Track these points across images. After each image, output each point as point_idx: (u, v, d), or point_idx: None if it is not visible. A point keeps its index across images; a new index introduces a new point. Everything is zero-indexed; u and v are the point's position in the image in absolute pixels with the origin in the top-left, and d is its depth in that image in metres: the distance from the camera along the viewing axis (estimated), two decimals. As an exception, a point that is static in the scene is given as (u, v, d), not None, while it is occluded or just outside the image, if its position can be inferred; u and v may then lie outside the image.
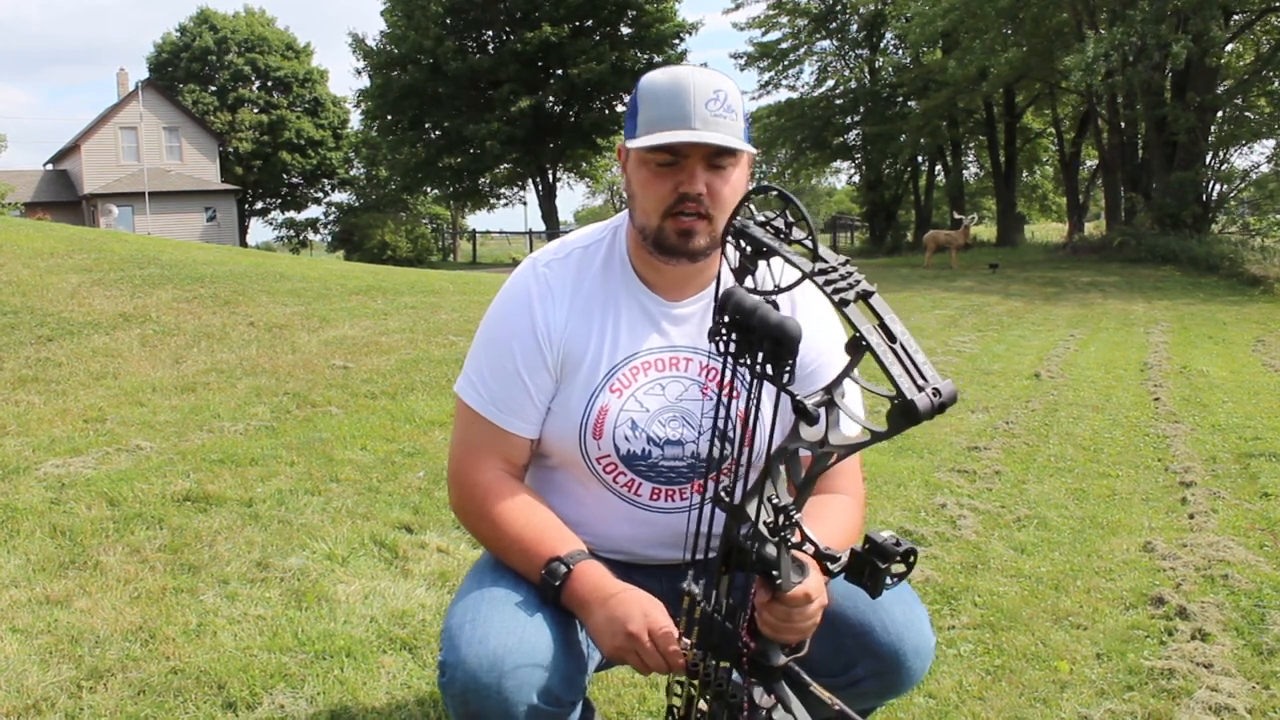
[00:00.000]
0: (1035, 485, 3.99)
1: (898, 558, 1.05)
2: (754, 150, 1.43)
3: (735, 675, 1.25)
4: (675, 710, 1.30)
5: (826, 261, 1.05)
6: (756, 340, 1.07)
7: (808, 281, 1.05)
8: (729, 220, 1.11)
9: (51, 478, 3.58)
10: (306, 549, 2.97)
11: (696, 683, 1.24)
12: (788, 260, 1.05)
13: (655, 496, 1.51)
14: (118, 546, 2.93)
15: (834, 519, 1.43)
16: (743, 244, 1.10)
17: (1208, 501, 3.72)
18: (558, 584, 1.35)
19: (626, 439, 1.48)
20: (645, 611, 1.29)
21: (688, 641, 1.24)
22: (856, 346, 0.99)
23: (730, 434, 1.21)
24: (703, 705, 1.24)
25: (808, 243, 1.07)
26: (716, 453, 1.20)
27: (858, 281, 1.03)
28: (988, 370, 6.98)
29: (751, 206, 1.16)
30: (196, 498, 3.39)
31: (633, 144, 1.41)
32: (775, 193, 1.13)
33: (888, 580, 1.07)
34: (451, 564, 2.90)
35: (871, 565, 1.06)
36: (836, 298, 1.01)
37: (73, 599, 2.57)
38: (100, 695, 2.09)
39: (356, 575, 2.80)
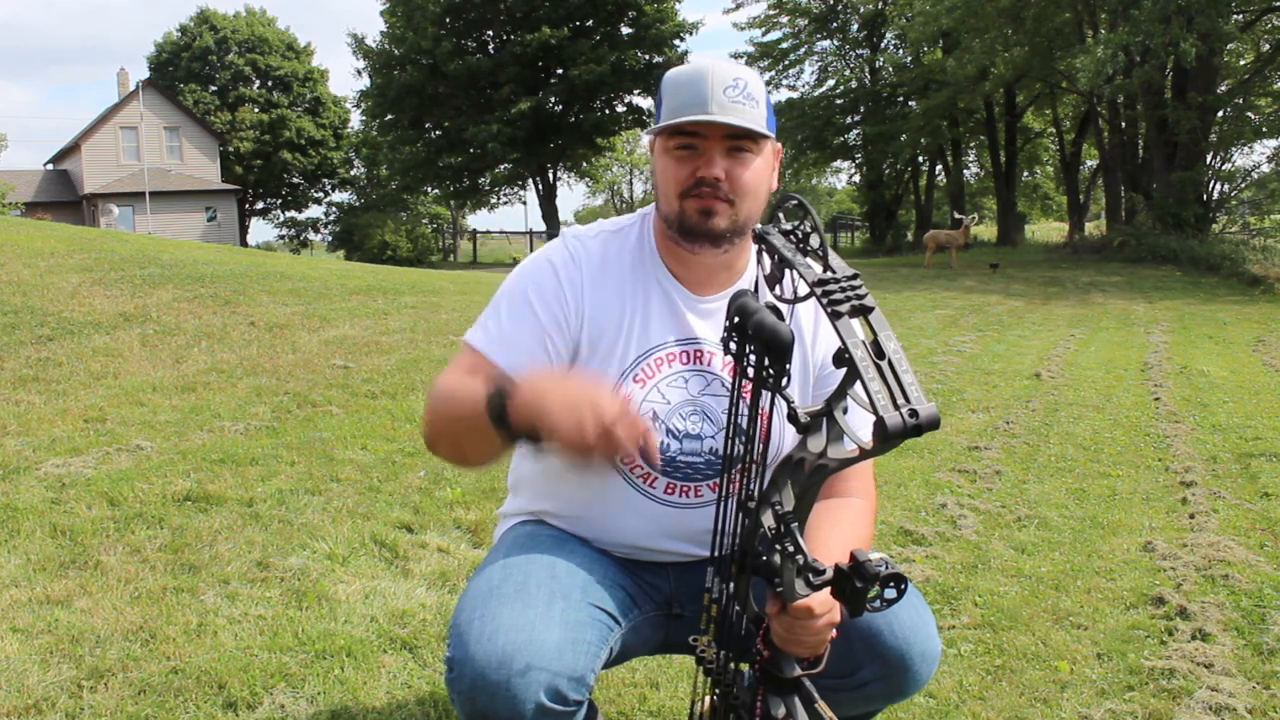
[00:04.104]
0: (1036, 485, 3.99)
1: (880, 581, 1.03)
2: (771, 135, 1.42)
3: (747, 680, 1.25)
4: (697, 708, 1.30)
5: (834, 272, 1.05)
6: (753, 344, 1.07)
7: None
8: (760, 227, 1.13)
9: (52, 477, 3.58)
10: (307, 549, 2.98)
11: (709, 680, 1.24)
12: (798, 271, 1.06)
13: (670, 491, 1.51)
14: (118, 546, 2.94)
15: (845, 523, 1.42)
16: (765, 252, 1.11)
17: (1208, 501, 3.71)
18: (507, 389, 1.22)
19: None
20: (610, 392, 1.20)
21: (708, 638, 1.24)
22: (841, 360, 0.99)
23: (745, 434, 1.21)
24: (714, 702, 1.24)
25: (822, 251, 1.07)
26: (736, 450, 1.19)
27: (860, 296, 1.02)
28: (988, 370, 6.98)
29: (781, 215, 1.16)
30: (197, 497, 3.40)
31: (651, 131, 1.44)
32: (795, 202, 1.14)
33: (875, 603, 1.05)
34: (452, 564, 2.90)
35: (851, 585, 1.05)
36: (830, 310, 1.01)
37: (73, 599, 2.57)
38: (101, 695, 2.09)
39: (357, 575, 2.80)
